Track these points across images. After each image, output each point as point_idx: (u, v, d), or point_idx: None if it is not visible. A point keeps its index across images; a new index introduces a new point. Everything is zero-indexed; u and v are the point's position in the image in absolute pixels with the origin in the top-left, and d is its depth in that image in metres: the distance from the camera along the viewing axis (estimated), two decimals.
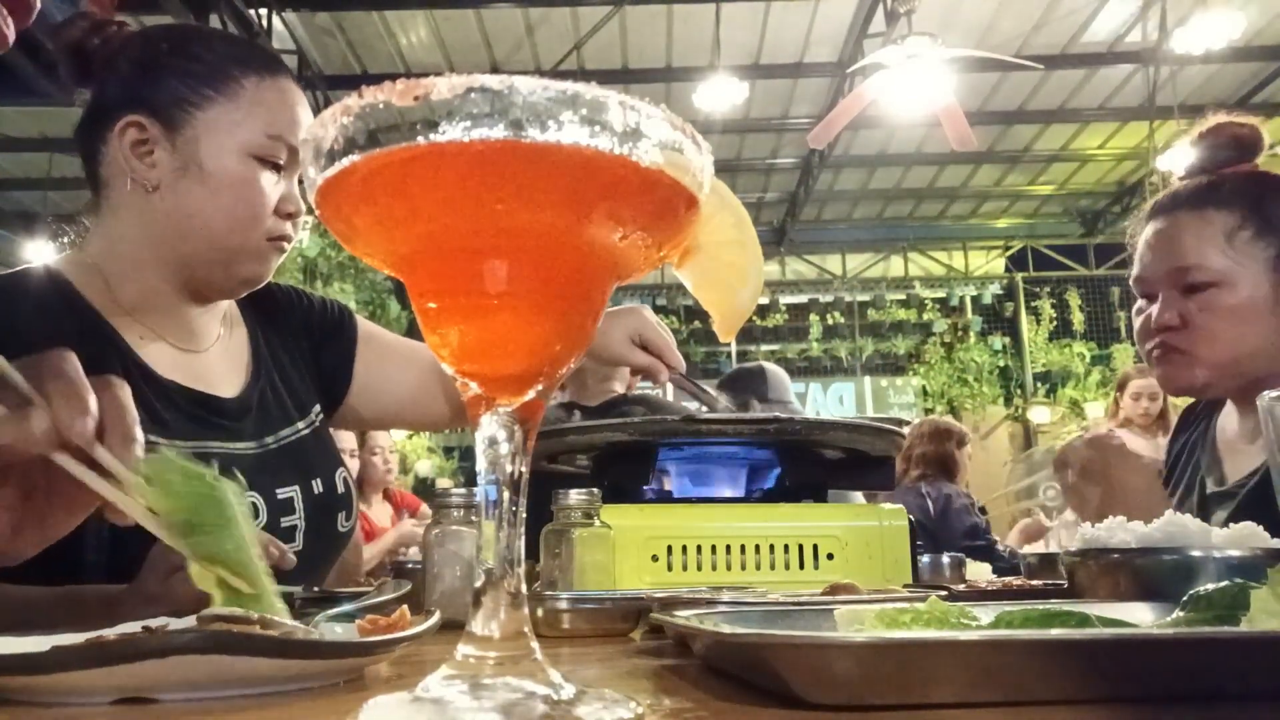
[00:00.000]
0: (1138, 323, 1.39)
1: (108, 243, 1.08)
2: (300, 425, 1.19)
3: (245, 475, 1.06)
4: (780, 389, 3.68)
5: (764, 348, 9.96)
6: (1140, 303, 1.39)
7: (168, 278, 1.08)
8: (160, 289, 1.09)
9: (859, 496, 2.37)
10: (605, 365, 1.33)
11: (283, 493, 1.10)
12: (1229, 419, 1.38)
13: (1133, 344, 1.40)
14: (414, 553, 3.13)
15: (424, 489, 4.41)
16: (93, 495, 0.61)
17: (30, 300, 1.02)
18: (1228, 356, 1.27)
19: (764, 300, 9.95)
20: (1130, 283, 1.39)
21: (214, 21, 5.56)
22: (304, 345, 1.28)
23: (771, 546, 1.12)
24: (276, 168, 1.07)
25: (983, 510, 3.98)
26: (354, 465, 3.79)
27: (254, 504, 1.06)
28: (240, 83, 1.06)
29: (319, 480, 1.16)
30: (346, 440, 3.59)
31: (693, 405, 1.51)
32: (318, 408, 1.24)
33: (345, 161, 0.37)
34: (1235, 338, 1.26)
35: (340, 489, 1.19)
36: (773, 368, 3.87)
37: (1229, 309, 1.26)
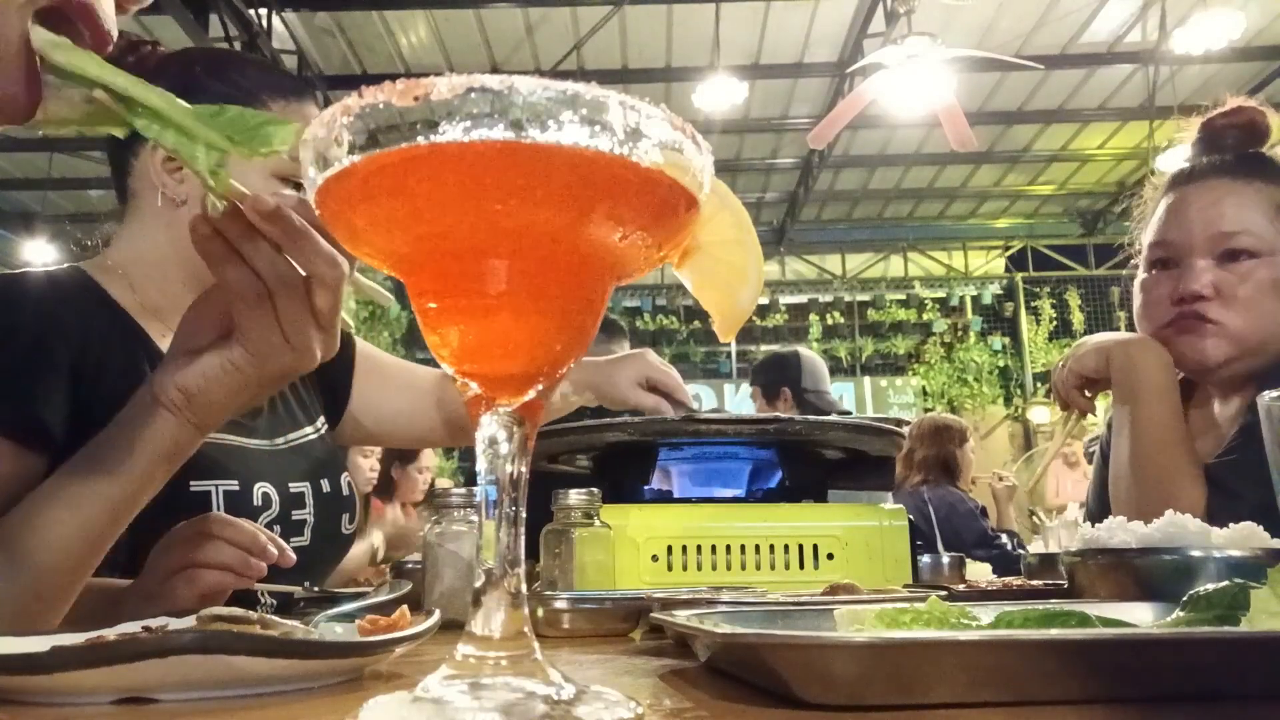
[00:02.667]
0: (1144, 294, 1.31)
1: (133, 249, 1.12)
2: (308, 430, 1.24)
3: (261, 468, 1.10)
4: (814, 377, 3.61)
5: (764, 347, 9.95)
6: (1144, 275, 1.31)
7: (189, 283, 1.12)
8: (181, 294, 1.12)
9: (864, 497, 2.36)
10: (613, 408, 1.38)
11: (295, 487, 1.14)
12: (1200, 404, 1.33)
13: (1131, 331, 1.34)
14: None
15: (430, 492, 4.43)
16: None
17: (67, 295, 1.05)
18: (1255, 332, 1.21)
19: (764, 300, 9.95)
20: (1146, 247, 1.31)
21: (214, 22, 5.56)
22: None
23: (771, 546, 1.12)
24: (298, 186, 1.10)
25: (984, 513, 3.94)
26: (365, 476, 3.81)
27: (267, 495, 1.09)
28: (269, 107, 1.10)
29: (326, 481, 1.20)
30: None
31: (693, 406, 1.51)
32: (322, 419, 1.30)
33: (345, 162, 0.37)
34: (1266, 314, 1.21)
35: (345, 492, 1.23)
36: (808, 354, 3.78)
37: (1267, 282, 1.20)
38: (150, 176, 1.09)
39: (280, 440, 1.18)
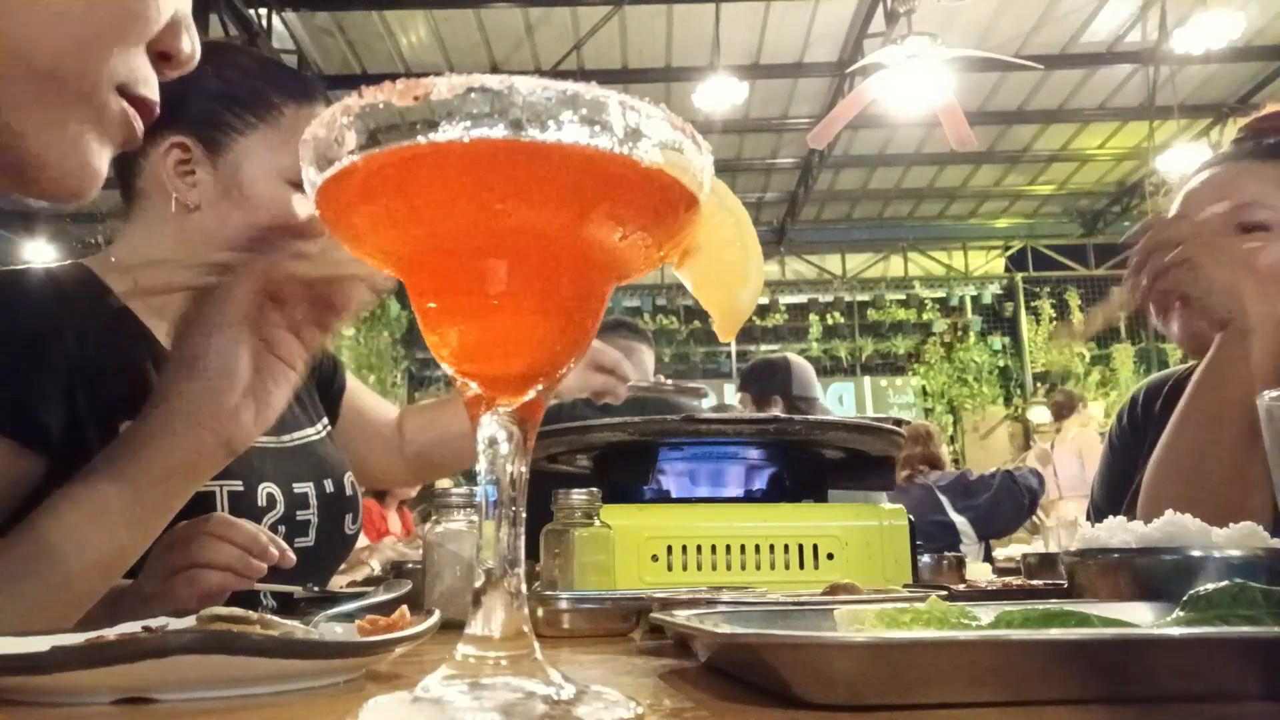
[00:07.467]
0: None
1: (138, 248, 1.11)
2: (310, 431, 1.23)
3: (265, 468, 1.10)
4: (805, 384, 3.60)
5: (764, 348, 9.96)
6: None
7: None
8: (185, 294, 1.12)
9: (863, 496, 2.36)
10: (565, 394, 1.40)
11: (299, 487, 1.13)
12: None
13: (1133, 343, 1.27)
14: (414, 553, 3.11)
15: (423, 489, 4.41)
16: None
17: (67, 292, 1.04)
18: None
19: (764, 300, 9.95)
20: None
21: (214, 21, 5.56)
22: (309, 371, 1.32)
23: (771, 546, 1.12)
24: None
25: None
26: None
27: (271, 495, 1.08)
28: (280, 110, 1.09)
29: (330, 481, 1.19)
30: None
31: (694, 405, 1.52)
32: (324, 421, 1.29)
33: (345, 162, 0.37)
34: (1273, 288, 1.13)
35: (349, 491, 1.22)
36: (798, 360, 3.77)
37: (1276, 255, 1.15)
38: (161, 179, 1.07)
39: (286, 437, 1.17)
